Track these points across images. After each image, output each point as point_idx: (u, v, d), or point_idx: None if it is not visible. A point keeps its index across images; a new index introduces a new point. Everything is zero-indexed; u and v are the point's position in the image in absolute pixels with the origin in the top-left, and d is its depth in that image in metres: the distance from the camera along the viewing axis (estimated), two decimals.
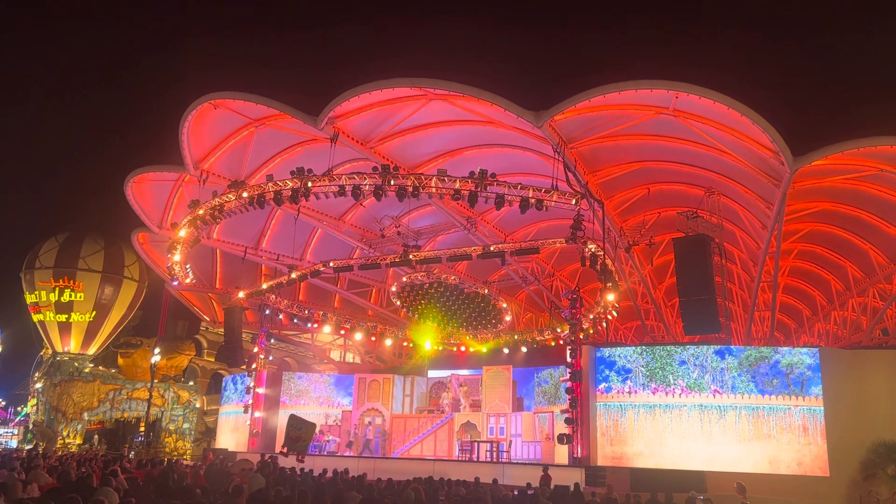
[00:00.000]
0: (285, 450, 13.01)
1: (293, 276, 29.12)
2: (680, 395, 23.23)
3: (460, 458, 27.63)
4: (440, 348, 34.84)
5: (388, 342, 35.01)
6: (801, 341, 34.26)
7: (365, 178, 20.65)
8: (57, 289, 43.00)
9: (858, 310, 29.50)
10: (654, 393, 23.50)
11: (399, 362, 39.04)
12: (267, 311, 31.90)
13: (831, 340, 31.86)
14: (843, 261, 29.23)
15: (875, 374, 23.30)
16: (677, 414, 23.11)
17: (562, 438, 23.82)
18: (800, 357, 23.05)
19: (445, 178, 20.42)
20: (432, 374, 34.36)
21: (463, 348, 34.49)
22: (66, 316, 43.43)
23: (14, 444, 48.83)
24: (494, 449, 26.64)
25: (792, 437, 22.20)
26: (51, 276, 43.21)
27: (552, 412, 27.44)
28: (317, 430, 24.22)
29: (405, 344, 35.76)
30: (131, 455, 30.89)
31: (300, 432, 12.79)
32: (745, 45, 73.50)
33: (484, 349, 33.58)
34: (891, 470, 21.35)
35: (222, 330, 33.82)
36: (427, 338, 33.67)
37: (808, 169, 20.09)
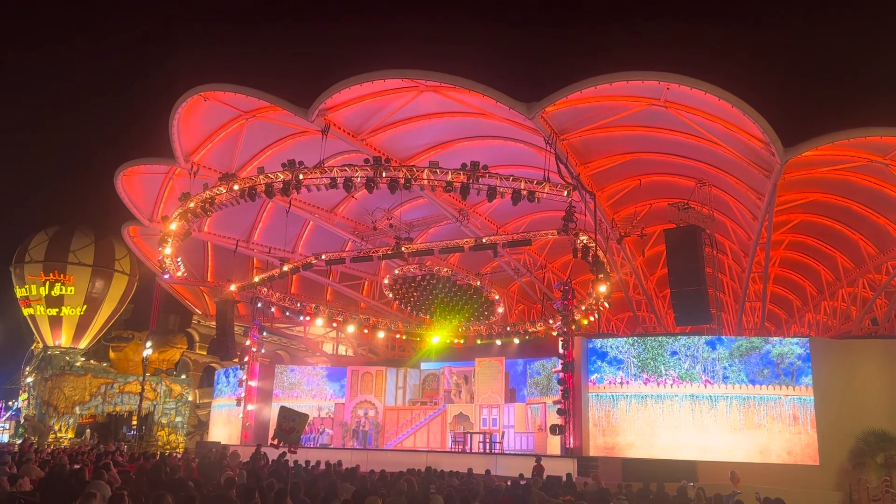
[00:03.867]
0: (276, 441, 12.99)
1: (285, 268, 29.06)
2: (671, 385, 23.34)
3: (453, 450, 27.71)
4: (452, 341, 34.64)
5: (381, 335, 35.01)
6: (791, 331, 34.46)
7: (356, 171, 20.59)
8: (47, 283, 42.81)
9: (848, 300, 29.70)
10: (645, 383, 23.61)
11: (391, 354, 39.09)
12: (259, 304, 31.83)
13: (821, 330, 32.06)
14: (834, 251, 29.39)
15: (864, 363, 23.45)
16: (669, 404, 23.22)
17: (554, 429, 23.90)
18: (790, 347, 23.19)
19: (437, 170, 20.37)
20: (425, 366, 34.40)
21: (456, 340, 34.48)
22: (57, 310, 43.26)
23: (5, 438, 48.67)
24: (487, 440, 26.72)
25: (782, 427, 22.35)
26: (41, 269, 43.01)
27: (544, 403, 27.52)
28: (309, 421, 24.19)
29: (397, 336, 35.74)
30: (125, 448, 30.87)
31: (294, 423, 12.76)
32: (736, 36, 73.63)
33: (478, 341, 33.59)
34: (880, 458, 21.52)
35: (214, 323, 33.75)
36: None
37: (798, 160, 20.18)
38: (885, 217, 25.37)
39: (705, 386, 23.06)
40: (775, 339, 24.30)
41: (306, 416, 13.65)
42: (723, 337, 24.15)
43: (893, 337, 28.34)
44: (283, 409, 13.22)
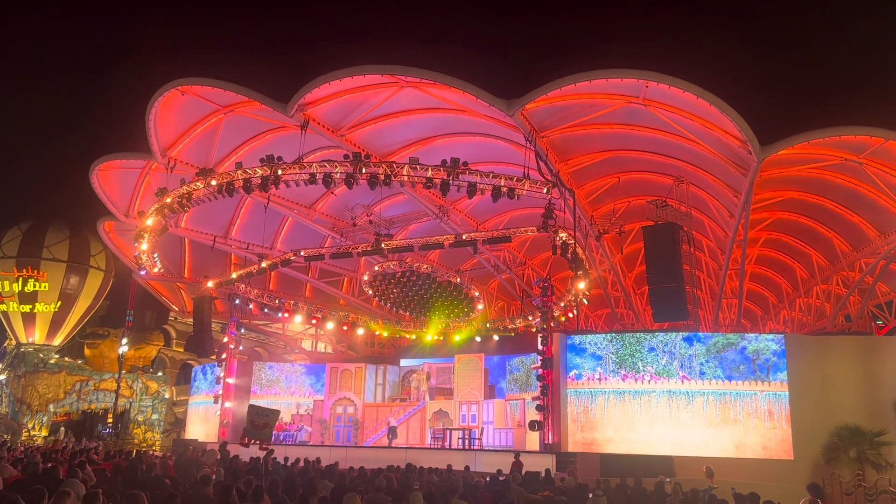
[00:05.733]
0: (246, 440, 12.92)
1: (263, 265, 28.84)
2: (649, 381, 23.53)
3: (433, 446, 27.72)
4: (436, 338, 34.51)
5: (360, 331, 34.90)
6: (767, 328, 34.86)
7: (336, 166, 20.48)
8: (20, 279, 42.19)
9: (822, 297, 30.08)
10: (623, 379, 23.77)
11: (371, 351, 38.98)
12: (237, 301, 31.57)
13: (796, 327, 32.47)
14: (808, 249, 29.77)
15: (838, 359, 23.80)
16: (646, 400, 23.41)
17: (533, 425, 23.98)
18: (766, 343, 23.47)
19: (417, 167, 20.31)
20: (404, 362, 34.37)
21: (434, 336, 34.44)
22: (30, 306, 42.64)
23: None
24: (466, 436, 26.76)
25: (758, 422, 22.63)
26: (14, 265, 42.38)
27: (523, 399, 27.62)
28: (280, 417, 23.98)
29: (377, 333, 35.64)
30: (101, 446, 30.51)
31: (267, 419, 12.73)
32: (714, 35, 74.28)
33: (457, 338, 33.60)
34: (852, 453, 21.88)
35: (191, 320, 33.44)
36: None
37: (774, 158, 20.41)
38: (858, 215, 25.75)
39: (682, 382, 23.27)
40: (751, 335, 24.58)
41: (277, 411, 13.62)
42: (700, 333, 24.38)
43: (866, 333, 28.81)
44: (252, 407, 13.18)
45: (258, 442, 12.96)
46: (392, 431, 29.36)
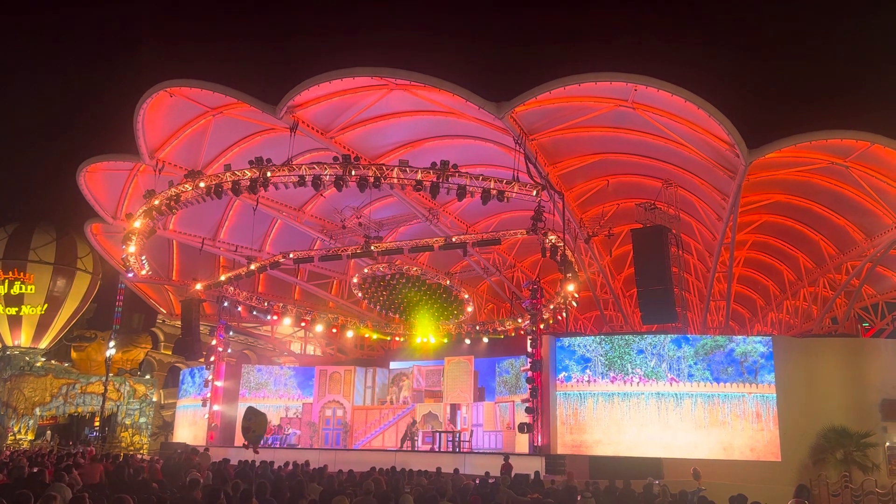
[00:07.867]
0: (246, 444, 12.96)
1: (252, 267, 28.73)
2: (638, 383, 23.58)
3: (421, 449, 27.67)
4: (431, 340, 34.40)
5: (350, 334, 34.80)
6: (754, 330, 35.06)
7: (325, 168, 20.44)
8: (6, 281, 41.81)
9: (809, 299, 30.30)
10: (612, 382, 23.82)
11: (360, 354, 38.89)
12: (225, 303, 31.42)
13: (783, 329, 32.67)
14: (795, 251, 29.98)
15: (825, 361, 23.95)
16: (635, 402, 23.46)
17: (522, 427, 23.99)
18: (753, 345, 23.59)
19: (407, 169, 20.31)
20: (394, 365, 34.29)
21: (425, 339, 34.41)
22: (17, 309, 42.26)
23: None
24: (456, 439, 26.72)
25: (745, 424, 22.73)
26: None
27: (513, 402, 27.63)
28: (269, 422, 23.88)
29: (366, 336, 35.56)
30: (93, 451, 30.27)
31: (250, 423, 12.78)
32: (702, 39, 74.73)
33: (445, 340, 33.58)
34: (839, 454, 22.02)
35: (179, 322, 33.25)
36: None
37: (762, 161, 20.56)
38: (844, 218, 25.96)
39: (671, 384, 23.35)
40: (739, 337, 24.71)
41: (264, 415, 13.63)
42: (688, 335, 24.48)
43: (853, 335, 29.03)
44: (248, 409, 13.22)
45: (252, 446, 13.00)
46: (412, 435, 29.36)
